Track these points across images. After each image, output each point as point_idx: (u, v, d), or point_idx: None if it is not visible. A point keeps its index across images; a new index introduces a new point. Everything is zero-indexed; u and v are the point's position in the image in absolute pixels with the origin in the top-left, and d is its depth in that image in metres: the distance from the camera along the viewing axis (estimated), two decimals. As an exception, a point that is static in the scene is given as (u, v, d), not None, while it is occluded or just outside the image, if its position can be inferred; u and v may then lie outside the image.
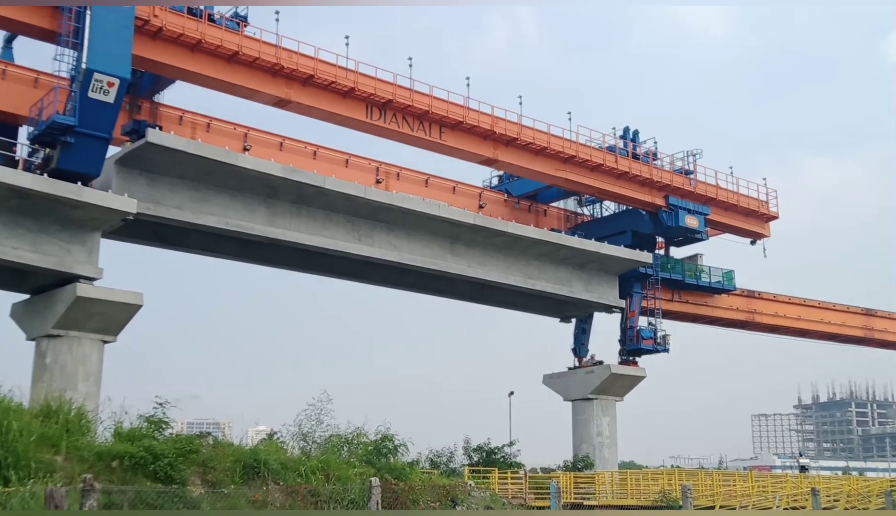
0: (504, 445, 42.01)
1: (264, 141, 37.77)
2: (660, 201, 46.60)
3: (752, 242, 52.36)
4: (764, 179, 52.36)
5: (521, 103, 41.85)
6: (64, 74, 29.89)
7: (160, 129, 33.19)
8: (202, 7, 32.92)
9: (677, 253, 50.87)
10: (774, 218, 52.02)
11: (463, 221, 40.38)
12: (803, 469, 50.69)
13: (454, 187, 44.69)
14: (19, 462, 14.00)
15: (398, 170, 42.43)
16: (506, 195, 47.91)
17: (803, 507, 30.36)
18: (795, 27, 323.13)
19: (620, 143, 46.35)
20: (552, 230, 45.89)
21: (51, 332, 30.61)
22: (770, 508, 28.95)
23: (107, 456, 16.35)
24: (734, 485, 35.10)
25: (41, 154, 30.42)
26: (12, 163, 29.77)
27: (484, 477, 33.34)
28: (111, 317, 31.13)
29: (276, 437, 29.22)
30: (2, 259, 29.43)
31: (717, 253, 53.16)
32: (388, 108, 37.45)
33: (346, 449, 24.05)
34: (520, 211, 47.34)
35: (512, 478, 36.38)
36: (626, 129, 47.37)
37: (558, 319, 50.31)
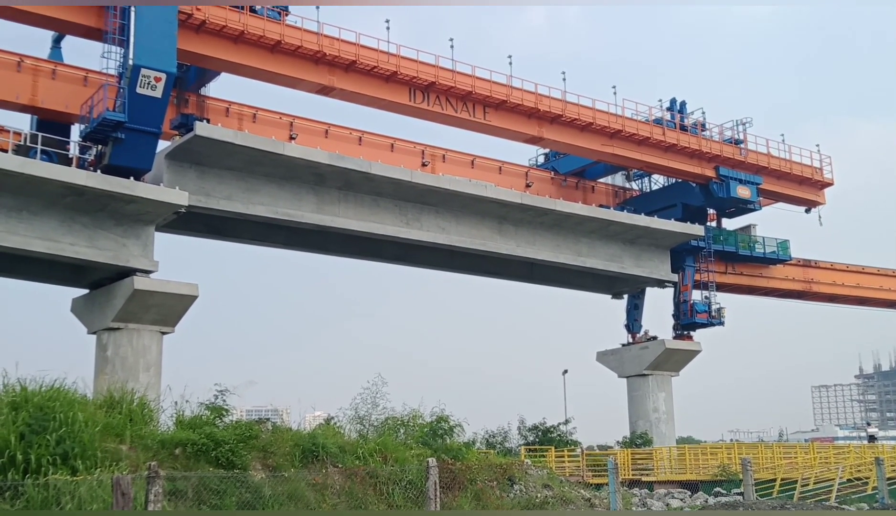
0: (559, 424, 41.90)
1: (310, 129, 38.01)
2: (710, 172, 45.86)
3: (807, 210, 51.31)
4: (817, 146, 51.29)
5: (564, 79, 41.54)
6: (112, 71, 30.38)
7: (208, 121, 33.61)
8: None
9: (730, 224, 50.07)
10: (829, 185, 50.88)
11: (510, 201, 40.20)
12: (872, 438, 49.71)
13: (500, 167, 44.51)
14: (86, 452, 14.13)
15: (443, 152, 42.38)
16: (552, 173, 47.58)
17: (867, 478, 29.81)
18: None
19: (667, 116, 45.70)
20: (600, 206, 45.48)
21: (111, 325, 31.27)
22: (833, 479, 28.47)
23: (170, 444, 16.58)
24: (795, 458, 34.61)
25: (93, 151, 31.03)
26: (66, 160, 30.36)
27: (540, 456, 33.33)
28: (168, 309, 31.69)
29: (333, 422, 29.52)
30: (60, 255, 30.10)
31: (771, 223, 52.19)
32: (430, 91, 37.39)
33: (402, 431, 24.16)
34: (567, 188, 46.99)
35: (569, 456, 36.32)
36: (673, 101, 46.65)
37: (610, 296, 49.86)
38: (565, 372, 48.52)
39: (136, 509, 12.24)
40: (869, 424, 73.88)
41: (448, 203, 38.89)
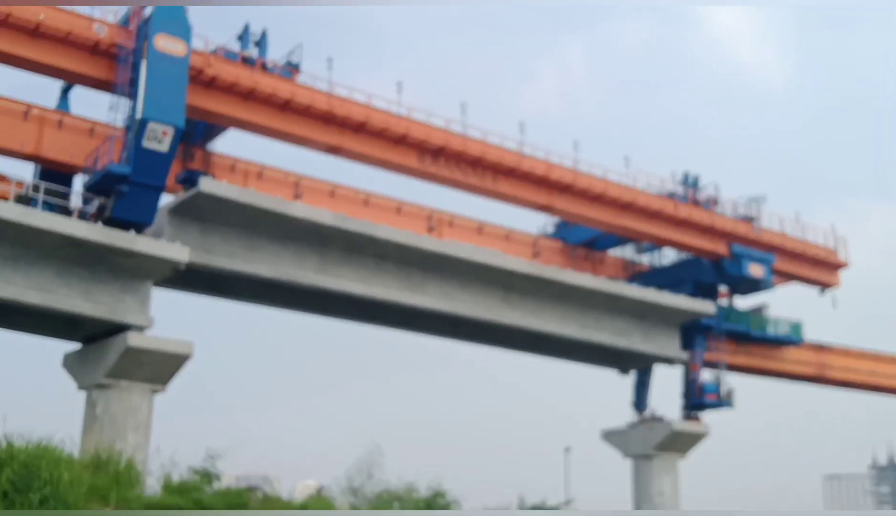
0: (560, 504, 40.52)
1: (316, 188, 37.60)
2: (722, 249, 45.22)
3: (822, 291, 50.42)
4: (832, 226, 50.54)
5: (575, 149, 41.21)
6: (119, 124, 30.14)
7: (213, 177, 33.20)
8: (255, 56, 33.13)
9: (741, 303, 49.15)
10: (844, 266, 50.11)
11: (517, 270, 39.54)
12: None
13: (508, 235, 43.93)
14: (70, 513, 13.81)
15: (450, 217, 41.88)
16: (561, 242, 46.97)
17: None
18: (854, 66, 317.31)
19: (680, 189, 45.27)
20: (610, 279, 44.75)
21: (101, 382, 30.40)
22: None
23: (156, 508, 16.08)
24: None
25: (95, 203, 30.57)
26: (67, 211, 29.90)
27: (541, 537, 32.01)
28: (161, 367, 30.83)
29: (324, 492, 28.42)
30: (55, 308, 29.46)
31: (784, 303, 51.25)
32: (440, 155, 37.06)
33: (397, 504, 23.25)
34: (576, 259, 46.31)
35: (570, 538, 34.88)
36: (686, 175, 46.28)
37: (617, 371, 48.81)
38: (567, 449, 47.25)
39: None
40: None
41: (454, 269, 38.24)
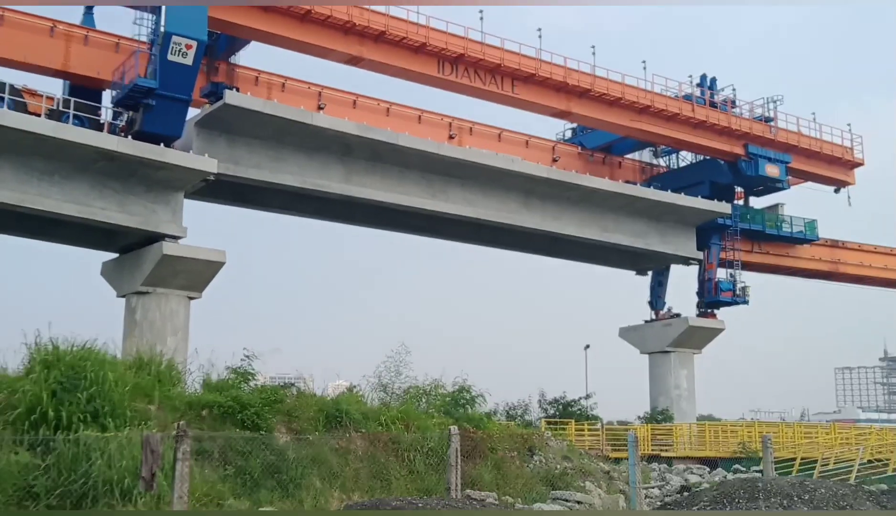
0: (580, 398, 42.08)
1: (338, 99, 38.10)
2: (739, 150, 45.48)
3: (836, 190, 50.76)
4: (848, 125, 50.49)
5: (593, 54, 41.29)
6: (144, 38, 30.66)
7: (237, 90, 33.79)
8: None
9: (757, 203, 49.68)
10: (859, 164, 50.26)
11: (537, 175, 40.15)
12: None
13: (527, 141, 44.40)
14: (115, 410, 14.32)
15: (471, 125, 42.34)
16: (580, 148, 47.40)
17: (888, 459, 29.75)
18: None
19: (697, 92, 45.27)
20: (627, 182, 45.31)
21: (139, 289, 31.78)
22: (853, 460, 28.43)
23: (197, 406, 16.80)
24: (816, 437, 34.59)
25: (125, 117, 31.36)
26: (97, 126, 30.72)
27: (560, 430, 33.53)
28: (196, 275, 32.11)
29: (355, 390, 29.85)
30: (91, 219, 30.57)
31: (799, 202, 51.66)
32: (459, 63, 37.29)
33: (424, 400, 24.39)
34: (594, 163, 46.81)
35: (589, 430, 36.52)
36: (703, 77, 46.21)
37: (634, 272, 49.80)
38: (587, 347, 48.73)
39: (164, 468, 12.49)
40: None
41: (475, 176, 38.91)
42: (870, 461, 29.77)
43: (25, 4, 30.75)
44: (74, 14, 33.34)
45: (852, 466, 27.94)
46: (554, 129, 48.44)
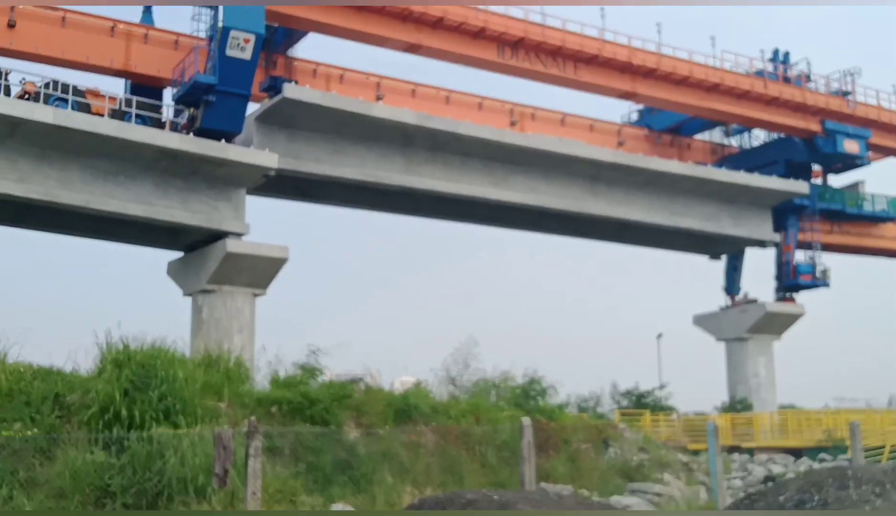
0: (654, 389, 41.02)
1: (397, 89, 37.61)
2: (815, 127, 43.62)
3: (921, 165, 48.50)
4: (932, 94, 48.03)
5: (659, 32, 39.97)
6: (202, 34, 30.57)
7: (296, 83, 33.53)
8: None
9: (836, 181, 47.68)
10: (946, 135, 47.85)
11: (602, 160, 39.06)
12: None
13: (591, 125, 43.29)
14: (186, 408, 14.40)
15: (532, 110, 41.43)
16: (646, 130, 46.07)
17: None
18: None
19: (769, 67, 43.58)
20: (697, 164, 43.83)
21: (205, 287, 31.78)
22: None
23: (266, 402, 16.85)
24: (909, 424, 32.92)
25: (185, 114, 31.35)
26: (159, 124, 30.77)
27: (635, 421, 32.59)
28: (260, 271, 31.99)
29: (422, 385, 29.44)
30: (156, 218, 30.65)
31: (881, 178, 49.43)
32: (519, 47, 36.42)
33: (493, 392, 23.92)
34: (661, 145, 45.42)
35: (664, 422, 35.44)
36: (776, 52, 44.45)
37: (707, 257, 48.28)
38: (659, 335, 47.45)
39: (236, 464, 12.23)
40: None
41: (537, 163, 38.04)
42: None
43: (86, 4, 30.88)
44: (134, 13, 33.53)
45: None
46: (619, 111, 47.28)
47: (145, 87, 32.03)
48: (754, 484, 24.62)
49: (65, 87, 29.17)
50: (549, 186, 38.78)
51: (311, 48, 35.93)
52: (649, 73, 39.22)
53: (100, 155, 29.19)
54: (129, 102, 30.40)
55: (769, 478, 25.58)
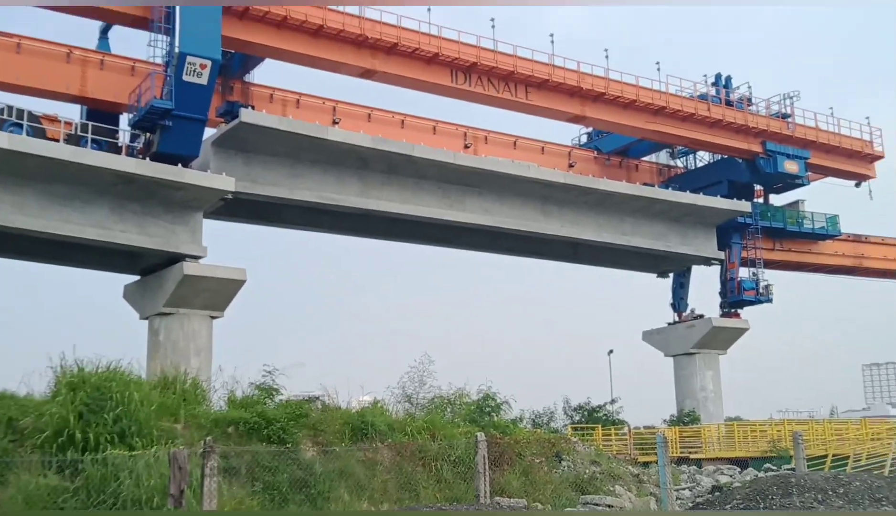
0: (605, 404, 41.86)
1: (353, 113, 38.25)
2: (756, 148, 45.20)
3: (857, 184, 50.34)
4: (867, 118, 50.12)
5: (606, 57, 41.18)
6: (158, 60, 30.90)
7: (252, 108, 33.99)
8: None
9: (777, 200, 49.35)
10: (880, 158, 49.80)
11: (553, 181, 40.04)
12: None
13: (543, 147, 44.36)
14: (142, 430, 14.40)
15: (485, 133, 42.37)
16: (595, 152, 47.29)
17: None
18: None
19: (713, 91, 45.11)
20: (645, 185, 45.09)
21: (162, 310, 31.89)
22: (886, 454, 28.04)
23: (223, 423, 16.81)
24: (847, 434, 34.18)
25: (142, 139, 31.61)
26: (115, 149, 30.97)
27: (587, 435, 33.32)
28: (217, 294, 32.23)
29: (379, 404, 29.80)
30: (112, 242, 30.75)
31: (819, 198, 51.26)
32: (472, 72, 37.35)
33: (449, 409, 24.32)
34: (610, 167, 46.67)
35: (616, 436, 36.27)
36: (718, 76, 46.05)
37: (655, 275, 49.52)
38: (610, 352, 48.43)
39: (192, 485, 12.49)
40: None
41: (491, 184, 38.89)
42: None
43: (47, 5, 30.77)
44: (90, 38, 33.74)
45: (885, 461, 27.55)
46: (569, 134, 48.39)
47: (101, 113, 32.21)
48: (702, 494, 25.35)
49: (20, 113, 29.32)
50: (502, 207, 39.63)
51: (267, 74, 36.44)
52: (598, 97, 40.41)
53: (56, 180, 29.26)
54: (84, 127, 30.56)
55: (716, 488, 26.36)
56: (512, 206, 39.90)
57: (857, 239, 51.92)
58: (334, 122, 37.03)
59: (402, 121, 39.60)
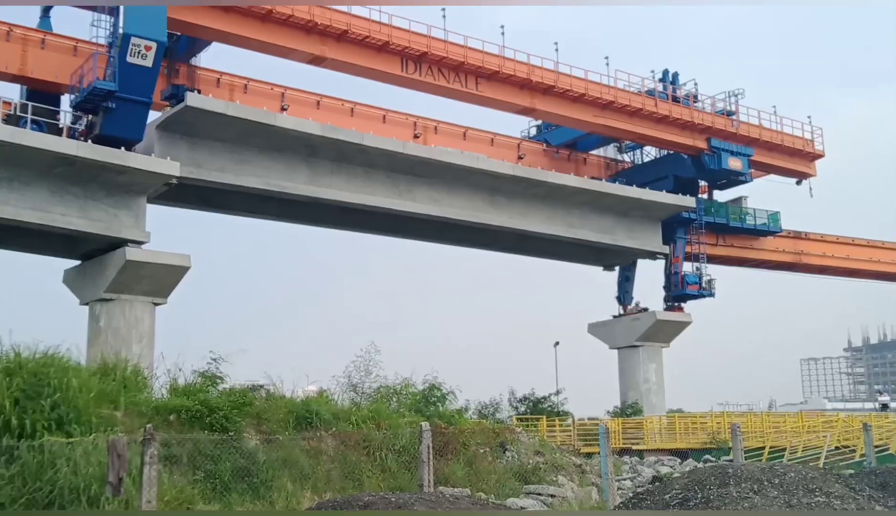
0: (550, 394, 42.20)
1: (302, 100, 37.89)
2: (702, 144, 45.93)
3: (798, 182, 51.48)
4: (808, 118, 51.32)
5: (556, 50, 41.43)
6: (102, 41, 30.26)
7: (199, 92, 33.45)
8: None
9: (721, 196, 50.21)
10: (820, 156, 51.01)
11: (502, 172, 40.21)
12: (884, 407, 49.78)
13: (492, 139, 44.49)
14: (80, 417, 14.07)
15: (435, 124, 42.33)
16: (545, 145, 47.60)
17: (855, 446, 30.18)
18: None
19: (660, 87, 45.67)
20: (592, 178, 45.55)
21: (103, 296, 31.30)
22: (821, 447, 28.85)
23: (164, 411, 16.60)
24: (784, 426, 35.02)
25: (84, 121, 30.92)
26: (56, 130, 30.25)
27: (532, 426, 33.59)
28: (160, 280, 31.72)
29: (325, 394, 29.63)
30: (52, 226, 30.09)
31: (761, 195, 52.42)
32: (423, 61, 37.25)
33: (395, 399, 24.31)
34: (559, 160, 47.02)
35: (560, 427, 36.62)
36: (665, 72, 46.62)
37: (601, 268, 50.06)
38: (556, 343, 48.82)
39: (131, 473, 12.33)
40: (881, 393, 72.71)
41: (440, 175, 38.89)
42: (837, 448, 30.21)
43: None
44: (31, 17, 32.86)
45: (820, 453, 28.32)
46: (519, 126, 48.64)
47: (42, 93, 31.45)
48: (643, 484, 25.76)
49: (-44, 92, 28.43)
50: (451, 198, 39.67)
51: (214, 58, 35.95)
52: (547, 90, 40.63)
53: (-7, 161, 28.52)
54: (24, 108, 29.82)
55: (657, 479, 26.81)
56: (461, 197, 39.96)
57: (797, 236, 53.11)
58: (283, 109, 36.65)
59: (352, 109, 39.36)
